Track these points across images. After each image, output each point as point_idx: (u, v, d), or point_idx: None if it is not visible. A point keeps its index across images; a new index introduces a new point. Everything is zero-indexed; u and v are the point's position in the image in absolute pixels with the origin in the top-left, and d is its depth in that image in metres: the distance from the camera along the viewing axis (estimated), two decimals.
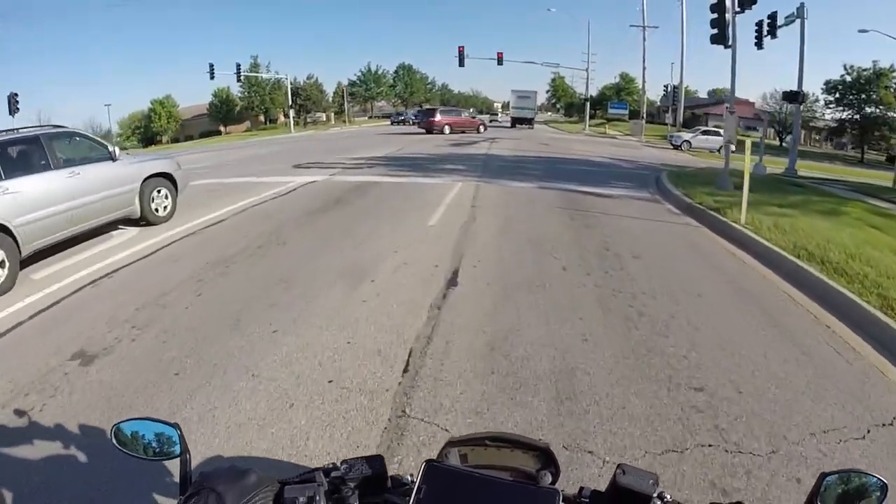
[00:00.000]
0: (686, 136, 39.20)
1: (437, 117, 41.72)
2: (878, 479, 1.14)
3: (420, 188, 13.82)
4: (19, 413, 3.87)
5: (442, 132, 40.41)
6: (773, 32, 29.00)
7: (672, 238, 9.32)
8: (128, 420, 1.29)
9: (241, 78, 59.74)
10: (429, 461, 1.12)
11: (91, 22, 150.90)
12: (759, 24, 30.37)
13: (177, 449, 1.23)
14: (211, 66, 55.92)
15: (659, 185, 15.79)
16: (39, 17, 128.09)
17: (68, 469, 3.28)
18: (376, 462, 1.20)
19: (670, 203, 12.91)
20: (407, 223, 9.89)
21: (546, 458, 1.21)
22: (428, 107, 52.07)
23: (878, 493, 1.13)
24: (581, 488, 1.19)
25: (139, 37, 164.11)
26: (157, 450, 1.27)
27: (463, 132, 41.13)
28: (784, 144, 60.93)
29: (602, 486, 1.18)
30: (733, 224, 9.68)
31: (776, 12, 28.97)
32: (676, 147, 38.11)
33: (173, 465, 1.23)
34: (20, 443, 3.51)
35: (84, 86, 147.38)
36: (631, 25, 58.38)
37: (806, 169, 28.26)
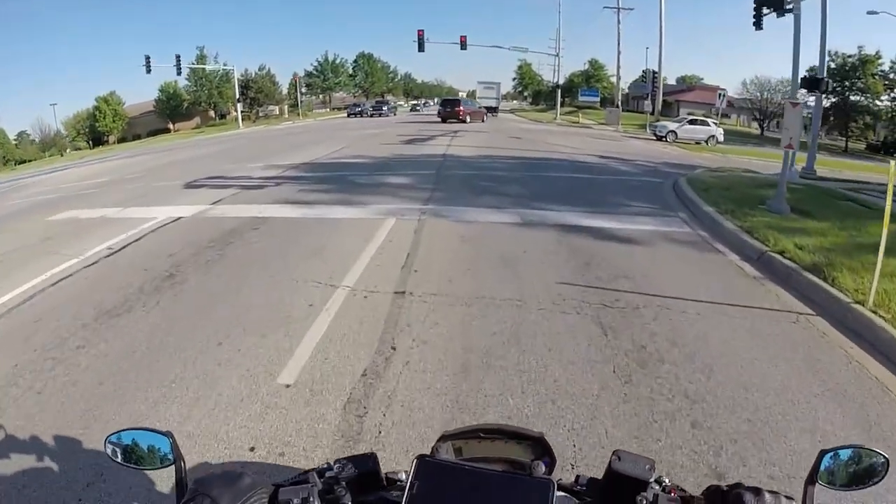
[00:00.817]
0: (671, 125, 34.75)
1: (461, 107, 43.39)
2: (879, 453, 1.14)
3: (325, 232, 8.48)
4: None
5: (464, 121, 41.43)
6: (779, 6, 24.62)
7: (793, 370, 4.20)
8: (121, 431, 1.28)
9: (181, 71, 53.25)
10: (420, 456, 1.10)
11: (33, 17, 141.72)
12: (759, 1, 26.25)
13: (171, 457, 1.22)
14: (147, 58, 49.52)
15: (688, 205, 10.84)
16: None
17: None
18: (369, 460, 1.18)
19: (724, 244, 7.97)
20: (242, 364, 4.35)
21: (540, 447, 1.21)
22: (447, 98, 53.17)
23: (880, 468, 1.13)
24: (577, 476, 1.23)
25: (83, 31, 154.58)
26: (152, 459, 1.26)
27: (471, 121, 42.26)
28: (766, 133, 58.18)
29: (599, 474, 1.18)
30: (862, 310, 5.18)
31: None
32: (660, 138, 33.99)
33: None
34: None
35: (28, 84, 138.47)
36: (605, 7, 53.29)
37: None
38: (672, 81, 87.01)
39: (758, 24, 26.43)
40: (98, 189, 15.75)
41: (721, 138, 33.26)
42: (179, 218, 9.99)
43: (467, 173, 14.38)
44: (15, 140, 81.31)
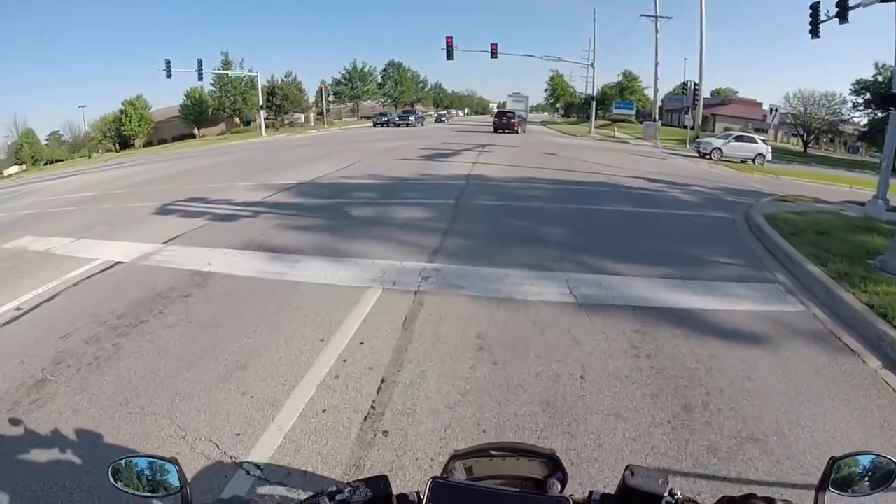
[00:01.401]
0: (716, 142, 31.48)
1: (514, 119, 46.73)
2: (889, 459, 1.15)
3: (270, 315, 5.52)
4: None
5: (515, 131, 44.88)
6: (843, 15, 21.49)
7: None
8: (125, 458, 1.24)
9: (202, 76, 51.36)
10: (434, 479, 1.09)
11: (63, 18, 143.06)
12: (816, 6, 23.17)
13: (176, 484, 1.20)
14: (167, 62, 47.78)
15: (780, 259, 7.96)
16: (5, 15, 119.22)
17: None
18: (380, 483, 1.14)
19: (856, 338, 5.10)
20: None
21: (553, 464, 1.20)
22: (501, 110, 56.51)
23: (891, 474, 1.14)
24: (591, 492, 1.18)
25: (115, 33, 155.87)
26: (157, 486, 1.23)
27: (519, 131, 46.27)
28: (809, 150, 54.49)
29: (612, 489, 1.14)
30: None
31: None
32: (704, 155, 30.72)
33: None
34: None
35: (59, 87, 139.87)
36: (642, 15, 50.04)
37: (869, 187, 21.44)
38: (706, 94, 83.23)
39: (814, 32, 23.44)
40: (75, 206, 13.93)
41: (769, 157, 30.08)
42: (117, 264, 7.66)
43: (494, 204, 11.31)
44: (46, 140, 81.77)
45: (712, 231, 9.81)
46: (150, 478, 1.23)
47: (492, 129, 45.95)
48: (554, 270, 6.85)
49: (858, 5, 20.67)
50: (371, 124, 62.71)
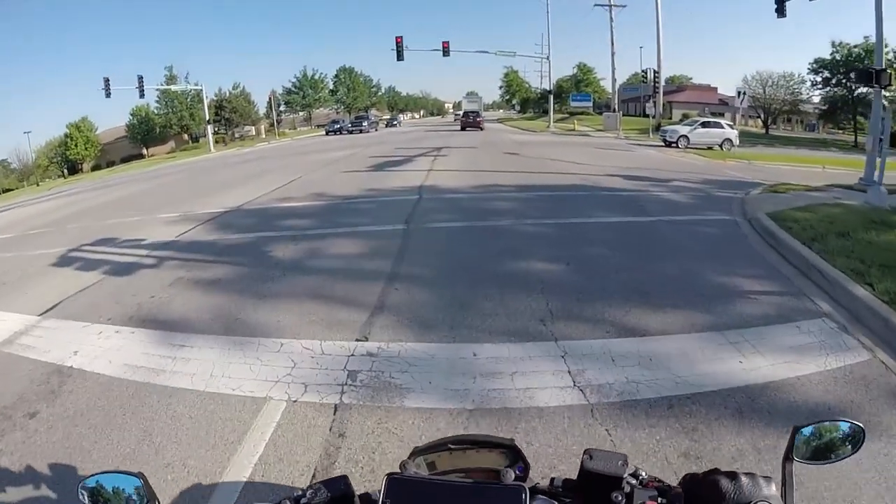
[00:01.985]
0: (683, 130, 30.11)
1: (480, 118, 51.24)
2: (853, 423, 1.14)
3: (142, 443, 1.97)
4: None
5: (481, 128, 47.96)
6: None
7: None
8: (92, 475, 1.22)
9: (143, 93, 48.22)
10: (389, 475, 1.06)
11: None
12: None
13: (143, 499, 1.18)
14: (106, 80, 44.69)
15: (812, 278, 6.28)
16: None
17: None
18: (341, 483, 1.13)
19: None
20: None
21: (513, 453, 1.18)
22: (468, 110, 58.16)
23: (855, 439, 1.13)
24: (553, 479, 1.17)
25: (57, 53, 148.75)
26: (127, 501, 1.21)
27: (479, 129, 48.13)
28: (771, 132, 53.97)
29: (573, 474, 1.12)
30: None
31: None
32: (670, 144, 29.48)
33: None
34: None
35: (2, 113, 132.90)
36: (596, 4, 48.63)
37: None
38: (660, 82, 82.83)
39: (780, 11, 21.99)
40: None
41: (737, 141, 28.78)
42: None
43: (452, 226, 9.06)
44: None
45: (720, 242, 7.99)
46: (118, 493, 1.20)
47: (447, 129, 46.93)
48: (543, 339, 4.69)
49: None
50: (324, 133, 60.15)
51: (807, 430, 1.12)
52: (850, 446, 1.13)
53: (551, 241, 7.94)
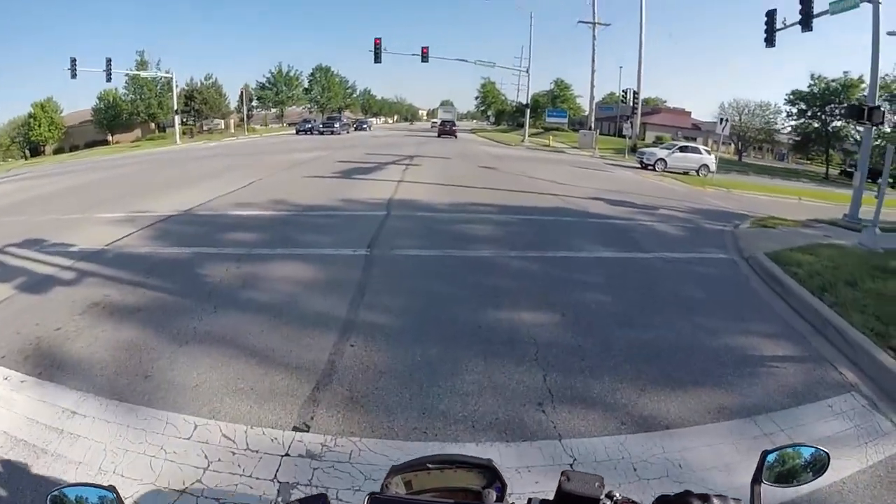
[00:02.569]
0: (660, 153, 29.72)
1: (455, 126, 55.33)
2: (819, 449, 1.20)
3: None
4: None
5: (455, 136, 50.82)
6: (806, 22, 19.77)
7: None
8: (63, 487, 1.19)
9: (111, 77, 45.73)
10: (372, 494, 1.07)
11: None
12: (772, 13, 21.46)
13: None
14: (73, 60, 42.30)
15: (832, 341, 5.54)
16: None
17: None
18: (320, 502, 1.10)
19: None
20: None
21: (490, 474, 1.16)
22: (444, 119, 63.41)
23: (821, 463, 1.20)
24: (529, 499, 1.14)
25: (25, 28, 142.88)
26: None
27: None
28: (745, 160, 54.44)
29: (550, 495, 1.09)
30: None
31: None
32: (647, 166, 29.09)
33: None
34: None
35: None
36: (579, 21, 48.04)
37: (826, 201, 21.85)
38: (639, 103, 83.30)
39: (770, 41, 21.78)
40: None
41: (714, 168, 28.33)
42: None
43: (423, 255, 7.82)
44: None
45: (723, 287, 7.25)
46: None
47: (421, 136, 48.21)
48: (544, 435, 3.60)
49: (825, 13, 18.75)
50: (294, 132, 58.45)
51: (774, 455, 1.17)
52: (816, 470, 1.18)
53: (540, 280, 6.83)
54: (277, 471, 3.14)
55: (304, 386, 4.07)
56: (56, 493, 1.18)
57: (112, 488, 1.15)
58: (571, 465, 3.25)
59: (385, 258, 7.53)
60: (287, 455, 3.28)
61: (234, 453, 3.30)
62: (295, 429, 3.54)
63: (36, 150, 64.45)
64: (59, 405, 3.84)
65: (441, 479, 1.16)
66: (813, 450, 1.18)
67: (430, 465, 1.17)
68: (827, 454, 1.18)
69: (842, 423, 3.90)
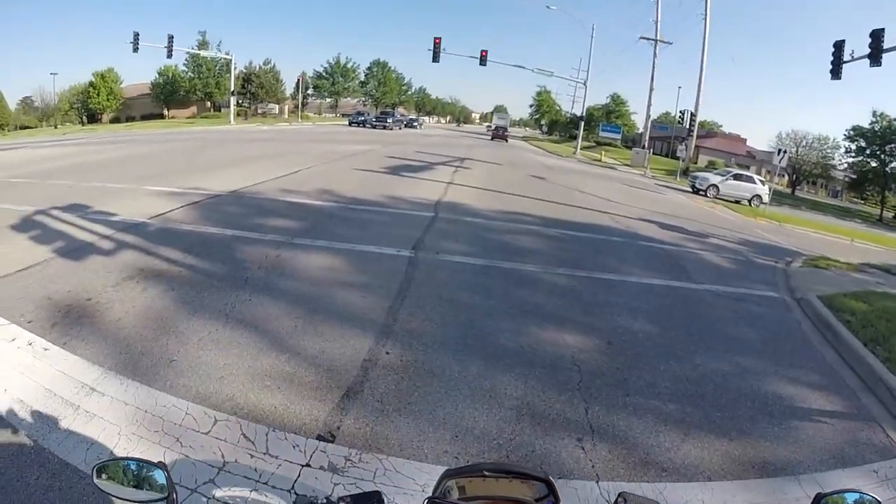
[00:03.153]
0: (713, 179, 28.79)
1: (507, 132, 61.88)
2: (872, 497, 1.18)
3: None
4: None
5: (506, 140, 57.94)
6: (875, 56, 18.92)
7: None
8: (111, 460, 1.20)
9: (171, 54, 46.74)
10: (430, 499, 1.08)
11: None
12: (840, 44, 20.51)
13: (164, 489, 1.13)
14: (136, 34, 43.35)
15: None
16: None
17: None
18: (373, 499, 1.14)
19: None
20: None
21: (546, 488, 1.14)
22: (498, 125, 69.32)
23: None
24: None
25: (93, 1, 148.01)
26: (143, 491, 1.15)
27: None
28: (798, 193, 52.64)
29: None
30: None
31: (883, 29, 18.74)
32: (699, 192, 28.13)
33: None
34: None
35: (35, 51, 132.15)
36: (641, 38, 47.00)
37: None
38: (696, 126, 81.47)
39: (836, 73, 20.85)
40: None
41: (767, 199, 27.23)
42: None
43: (469, 263, 7.47)
44: (18, 105, 76.65)
45: (773, 330, 6.70)
46: (135, 481, 1.15)
47: (474, 138, 50.16)
48: (581, 475, 3.31)
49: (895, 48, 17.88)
50: (347, 122, 59.00)
51: (829, 500, 1.15)
52: None
53: (587, 302, 6.46)
54: (296, 481, 2.91)
55: (333, 392, 3.83)
56: (103, 464, 1.18)
57: (161, 464, 1.14)
58: None
59: (430, 262, 7.26)
60: (308, 466, 3.04)
61: (252, 455, 3.08)
62: (319, 437, 3.30)
63: (93, 118, 67.07)
64: (80, 379, 3.73)
65: (495, 488, 1.13)
66: (866, 496, 1.17)
67: (486, 472, 1.13)
68: (879, 502, 1.16)
69: (886, 491, 3.57)
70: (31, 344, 4.18)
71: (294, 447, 3.17)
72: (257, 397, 3.67)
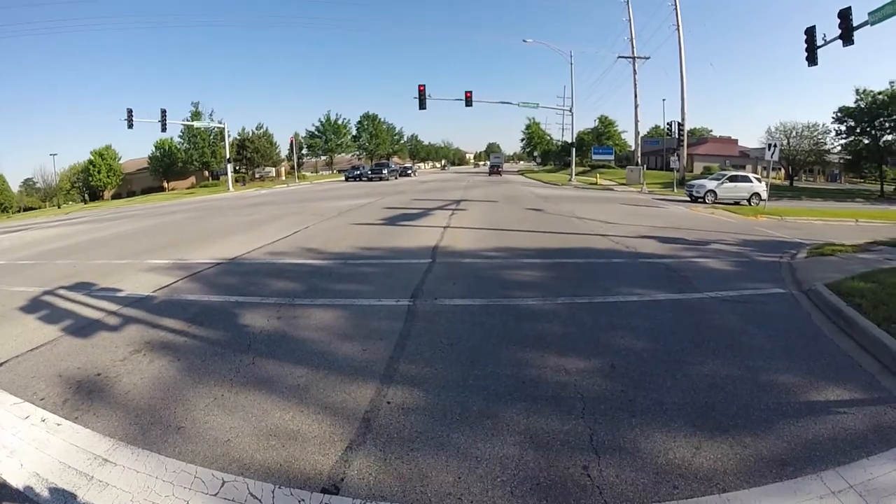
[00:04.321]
0: (710, 184, 29.00)
1: (502, 168, 72.72)
2: None
3: None
4: None
5: (500, 174, 66.00)
6: (847, 36, 19.30)
7: None
8: None
9: (165, 127, 48.01)
10: None
11: (36, 65, 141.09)
12: (811, 31, 21.02)
13: None
14: (129, 111, 44.65)
15: None
16: None
17: None
18: None
19: None
20: None
21: None
22: (493, 163, 78.91)
23: None
24: None
25: (89, 82, 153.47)
26: None
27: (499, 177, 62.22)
28: (795, 184, 52.73)
29: None
30: None
31: (849, 8, 19.16)
32: (696, 199, 28.54)
33: None
34: None
35: (35, 133, 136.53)
36: (619, 56, 48.18)
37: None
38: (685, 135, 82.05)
39: (811, 59, 21.29)
40: None
41: (765, 196, 27.36)
42: None
43: (468, 305, 7.57)
44: (20, 187, 78.43)
45: (784, 327, 6.61)
46: None
47: (470, 176, 55.53)
48: (588, 503, 3.31)
49: (864, 24, 18.25)
50: (343, 178, 59.90)
51: None
52: None
53: (588, 328, 6.52)
54: None
55: (336, 445, 3.93)
56: None
57: None
58: None
59: (428, 308, 7.37)
60: None
61: None
62: (324, 490, 3.40)
63: (94, 195, 68.73)
64: (92, 451, 3.91)
65: None
66: None
67: None
68: None
69: None
70: (44, 420, 4.39)
71: (299, 502, 3.28)
72: (263, 456, 3.78)
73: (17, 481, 3.52)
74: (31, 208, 70.45)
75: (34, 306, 8.17)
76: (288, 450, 3.87)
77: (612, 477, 3.54)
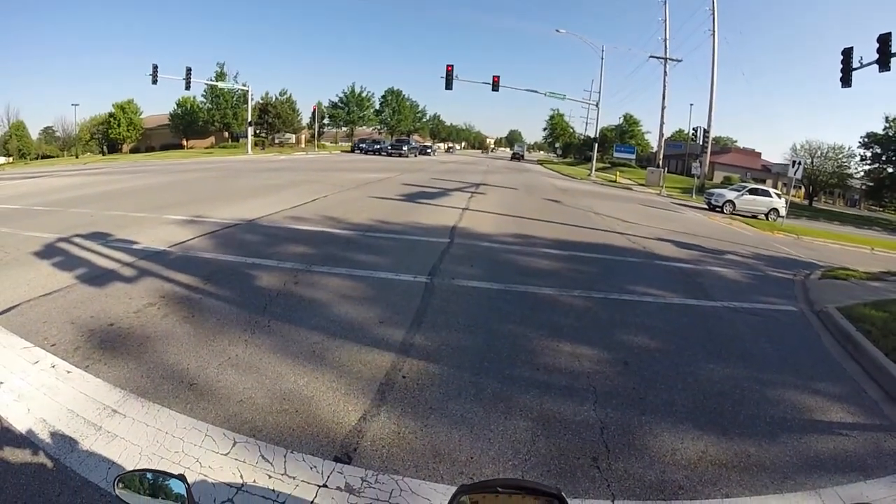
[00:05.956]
0: (729, 195, 28.64)
1: (524, 155, 77.53)
2: None
3: None
4: None
5: (522, 159, 70.96)
6: (884, 62, 18.93)
7: None
8: (132, 471, 1.23)
9: (189, 85, 47.85)
10: None
11: (64, 14, 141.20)
12: (848, 52, 20.57)
13: (183, 501, 1.16)
14: (154, 66, 44.47)
15: None
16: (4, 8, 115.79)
17: None
18: None
19: None
20: None
21: (557, 503, 1.14)
22: (515, 152, 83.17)
23: None
24: None
25: (117, 34, 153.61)
26: (163, 501, 1.17)
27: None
28: (815, 205, 52.04)
29: None
30: None
31: (889, 34, 18.79)
32: (715, 208, 28.21)
33: None
34: None
35: (57, 82, 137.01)
36: (651, 56, 47.47)
37: None
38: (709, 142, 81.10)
39: (846, 80, 20.87)
40: None
41: (784, 212, 26.95)
42: None
43: (485, 288, 7.53)
44: (40, 135, 78.89)
45: (792, 343, 6.65)
46: (156, 491, 1.16)
47: (490, 161, 57.91)
48: (595, 493, 3.29)
49: None
50: (357, 151, 59.69)
51: None
52: None
53: (604, 323, 6.46)
54: (312, 502, 2.95)
55: (350, 415, 3.89)
56: (124, 476, 1.21)
57: (182, 477, 1.16)
58: None
59: (445, 288, 7.30)
60: (325, 486, 3.08)
61: (269, 476, 3.14)
62: (336, 459, 3.35)
63: (113, 148, 68.93)
64: (102, 401, 3.85)
65: (508, 503, 1.15)
66: None
67: (500, 489, 1.14)
68: None
69: None
70: (54, 366, 4.34)
71: (311, 468, 3.23)
72: (276, 420, 3.74)
73: (22, 426, 3.47)
74: (49, 156, 70.98)
75: (48, 252, 8.13)
76: (301, 415, 3.83)
77: (620, 471, 3.52)
